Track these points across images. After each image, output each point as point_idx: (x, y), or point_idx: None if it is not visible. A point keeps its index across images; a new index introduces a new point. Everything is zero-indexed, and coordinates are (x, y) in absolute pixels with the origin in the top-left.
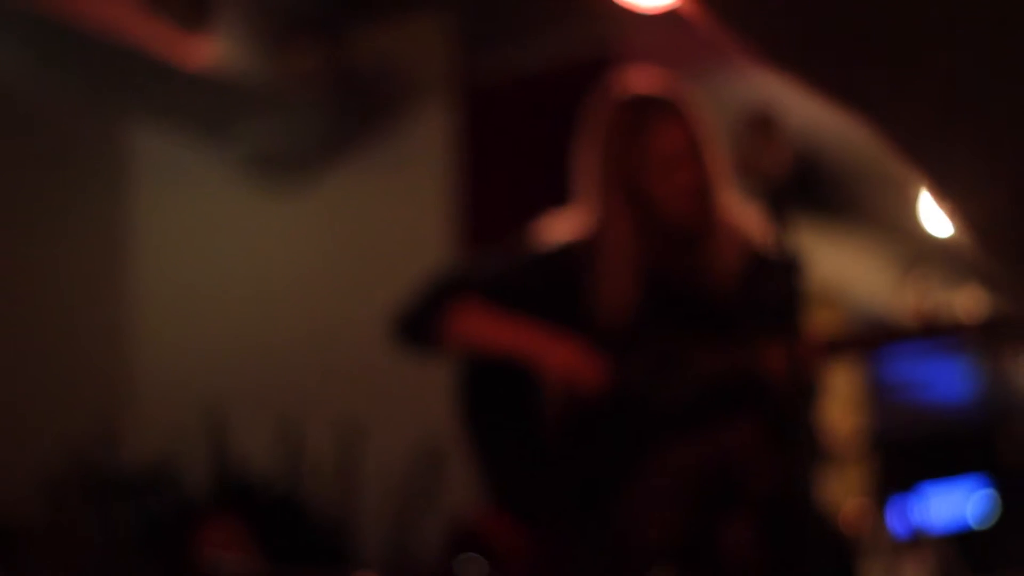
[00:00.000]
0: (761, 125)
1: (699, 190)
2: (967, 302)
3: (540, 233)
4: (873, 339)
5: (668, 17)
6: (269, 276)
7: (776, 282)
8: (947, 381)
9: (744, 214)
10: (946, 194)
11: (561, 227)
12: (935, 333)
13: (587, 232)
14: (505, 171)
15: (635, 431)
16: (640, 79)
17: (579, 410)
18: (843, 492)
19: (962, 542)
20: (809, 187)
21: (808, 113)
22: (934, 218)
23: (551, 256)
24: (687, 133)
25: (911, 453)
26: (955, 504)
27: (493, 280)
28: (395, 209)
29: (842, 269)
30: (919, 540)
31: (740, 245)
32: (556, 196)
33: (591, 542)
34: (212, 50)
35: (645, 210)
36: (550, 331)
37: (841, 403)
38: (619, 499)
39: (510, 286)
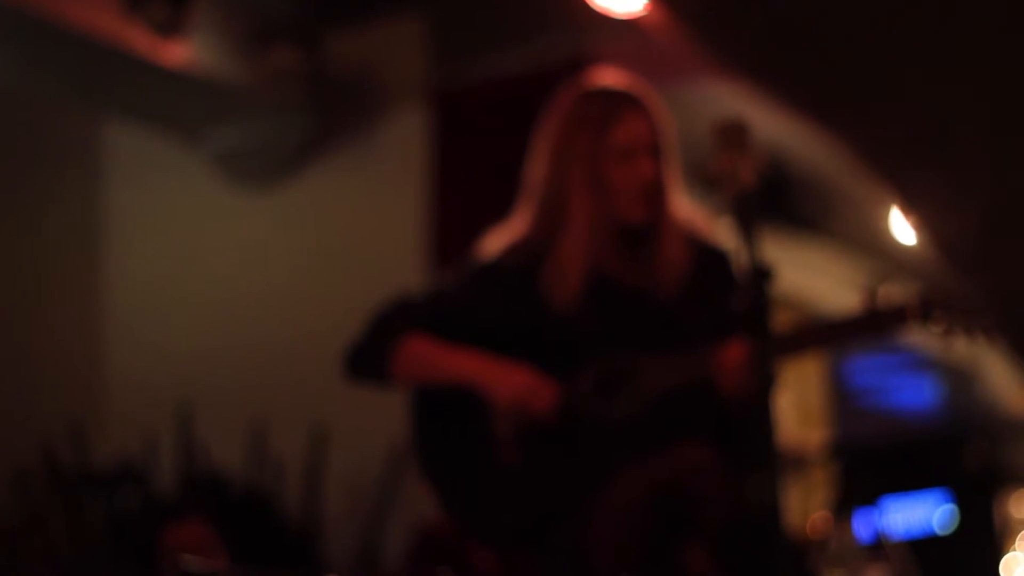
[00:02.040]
0: (732, 134)
1: (656, 183)
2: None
3: (486, 244)
4: (823, 332)
5: (643, 25)
6: (241, 276)
7: (735, 286)
8: (910, 388)
9: (694, 215)
10: (915, 211)
11: (506, 234)
12: (883, 321)
13: (538, 227)
14: (479, 175)
15: (589, 452)
16: (605, 74)
17: (531, 434)
18: (806, 502)
19: (924, 549)
20: (779, 198)
21: (779, 124)
22: (903, 232)
23: (497, 262)
24: (650, 126)
25: (875, 461)
26: (918, 511)
27: (441, 301)
28: (369, 212)
29: (811, 281)
30: (882, 548)
31: (689, 243)
32: None
33: (548, 566)
34: (189, 51)
35: (602, 200)
36: (498, 359)
37: (804, 412)
38: (575, 522)
39: (460, 302)
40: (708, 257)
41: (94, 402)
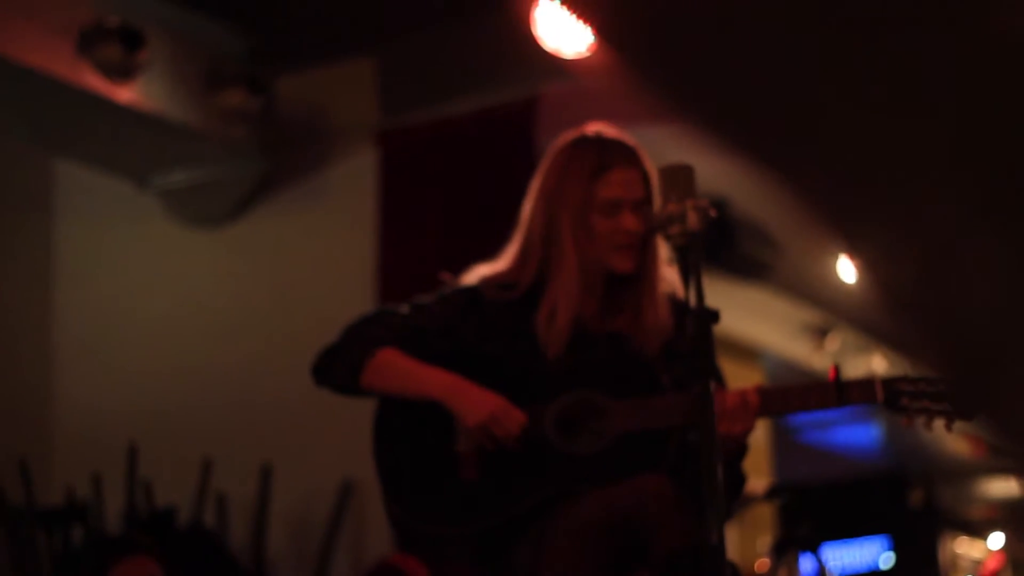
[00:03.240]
0: (677, 178)
1: (642, 236)
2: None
3: (470, 276)
4: (792, 402)
5: (586, 70)
6: (191, 316)
7: (692, 335)
8: (852, 426)
9: (670, 269)
10: (858, 253)
11: (490, 268)
12: (850, 399)
13: (520, 267)
14: (428, 213)
15: (547, 478)
16: (601, 124)
17: (492, 455)
18: (751, 539)
19: None
20: (727, 242)
21: (723, 168)
22: (850, 278)
23: (479, 291)
24: (639, 179)
25: (817, 500)
26: (861, 553)
27: (420, 317)
28: (318, 251)
29: (759, 326)
30: None
31: (669, 297)
32: (477, 238)
33: None
34: (141, 93)
35: (590, 249)
36: (470, 381)
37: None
38: (528, 544)
39: (438, 322)
40: (683, 309)
41: (42, 439)
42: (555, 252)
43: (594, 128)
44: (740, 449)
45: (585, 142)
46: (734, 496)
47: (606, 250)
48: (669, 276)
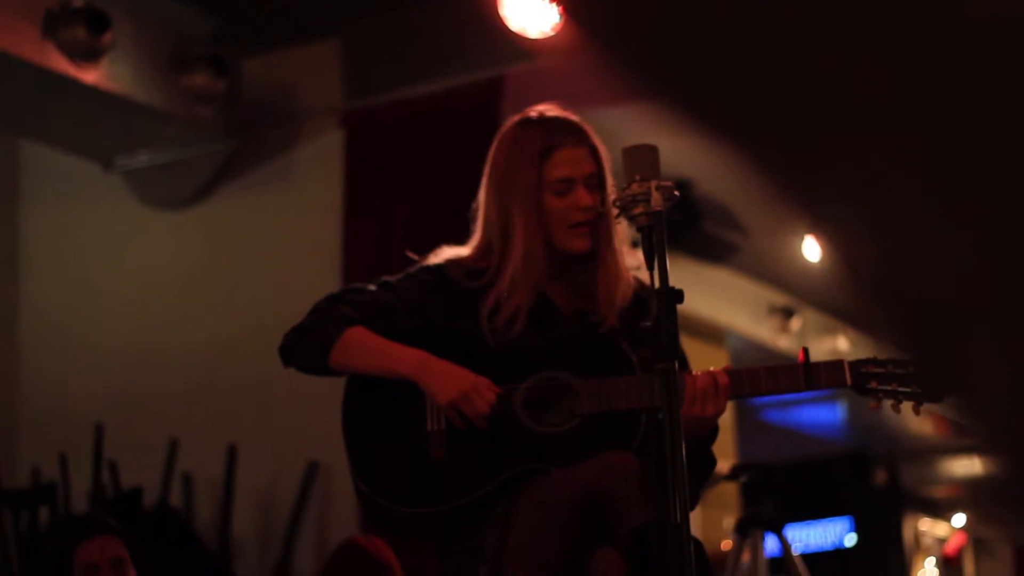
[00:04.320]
0: (641, 159)
1: (594, 213)
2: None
3: (435, 256)
4: (762, 384)
5: (554, 48)
6: (156, 294)
7: (655, 315)
8: (816, 405)
9: (629, 249)
10: (825, 235)
11: (455, 251)
12: (818, 383)
13: (481, 252)
14: (394, 192)
15: (515, 460)
16: (546, 104)
17: (462, 434)
18: (716, 518)
19: (831, 565)
20: (692, 223)
21: (689, 150)
22: (815, 259)
23: (445, 270)
24: (589, 156)
25: (782, 478)
26: (825, 533)
27: (387, 295)
28: (284, 232)
29: (724, 307)
30: (791, 564)
31: (628, 277)
32: (442, 219)
33: (459, 565)
34: (107, 74)
35: (543, 231)
36: (438, 357)
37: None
38: (494, 529)
39: (406, 299)
40: (647, 293)
41: (9, 420)
42: (509, 238)
43: (537, 109)
44: (711, 431)
45: (529, 124)
46: (705, 478)
47: (562, 231)
48: (630, 257)
